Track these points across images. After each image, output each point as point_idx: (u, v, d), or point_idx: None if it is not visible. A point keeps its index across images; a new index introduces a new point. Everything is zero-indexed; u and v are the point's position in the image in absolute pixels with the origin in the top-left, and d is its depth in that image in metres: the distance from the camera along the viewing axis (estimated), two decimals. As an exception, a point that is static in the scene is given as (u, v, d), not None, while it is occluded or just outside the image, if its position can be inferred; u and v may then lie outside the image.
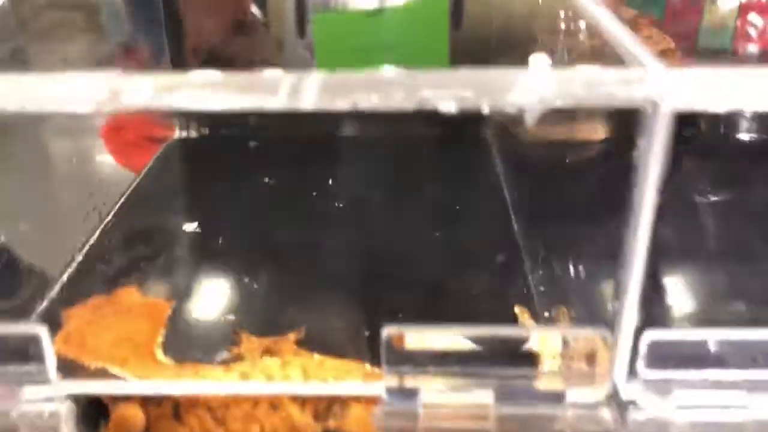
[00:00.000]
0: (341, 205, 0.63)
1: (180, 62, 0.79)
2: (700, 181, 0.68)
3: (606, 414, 0.31)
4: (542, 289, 0.50)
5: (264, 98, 0.30)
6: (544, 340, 0.34)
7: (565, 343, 0.34)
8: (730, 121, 0.77)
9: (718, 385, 0.31)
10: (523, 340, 0.32)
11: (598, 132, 0.77)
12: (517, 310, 0.46)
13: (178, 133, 0.80)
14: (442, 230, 0.60)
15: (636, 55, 0.30)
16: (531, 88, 0.27)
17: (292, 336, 0.45)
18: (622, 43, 0.32)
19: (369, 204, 0.64)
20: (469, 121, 0.78)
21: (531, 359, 0.32)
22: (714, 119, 0.77)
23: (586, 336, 0.31)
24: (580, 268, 0.46)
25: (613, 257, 0.31)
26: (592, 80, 0.27)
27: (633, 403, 0.31)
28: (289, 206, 0.63)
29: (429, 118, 0.82)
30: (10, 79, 0.29)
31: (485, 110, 0.27)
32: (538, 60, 0.47)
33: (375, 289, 0.52)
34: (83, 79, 0.29)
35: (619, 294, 0.30)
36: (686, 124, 0.80)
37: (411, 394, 0.32)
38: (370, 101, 0.28)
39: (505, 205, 0.63)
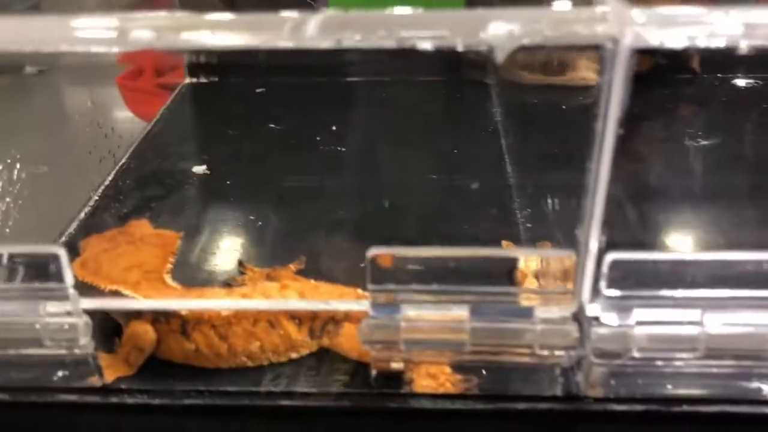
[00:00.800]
0: (344, 149, 0.66)
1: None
2: (692, 124, 0.70)
3: (571, 329, 0.34)
4: (529, 225, 0.53)
5: (268, 36, 0.31)
6: (521, 262, 0.37)
7: (535, 264, 0.37)
8: (726, 66, 0.79)
9: (674, 303, 0.34)
10: (498, 261, 0.35)
11: (594, 77, 0.78)
12: (503, 243, 0.49)
13: (188, 80, 0.82)
14: (438, 172, 0.62)
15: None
16: (500, 26, 0.29)
17: (293, 266, 0.48)
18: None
19: (370, 147, 0.67)
20: (471, 68, 0.80)
21: (504, 279, 0.35)
22: (711, 65, 0.79)
23: (553, 257, 0.34)
24: (562, 204, 0.48)
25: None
26: (558, 19, 0.29)
27: (596, 319, 0.34)
28: (294, 150, 0.66)
29: (433, 64, 0.84)
30: (25, 21, 0.32)
31: (459, 48, 0.30)
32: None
33: (373, 227, 0.55)
34: (94, 19, 0.31)
35: (584, 219, 0.33)
36: (682, 69, 0.82)
37: (393, 308, 0.35)
38: (353, 39, 0.30)
39: (501, 149, 0.66)
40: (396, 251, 0.34)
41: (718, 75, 0.79)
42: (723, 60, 0.79)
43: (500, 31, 0.29)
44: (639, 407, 0.37)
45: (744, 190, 0.58)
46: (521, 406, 0.37)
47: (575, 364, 0.37)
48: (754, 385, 0.37)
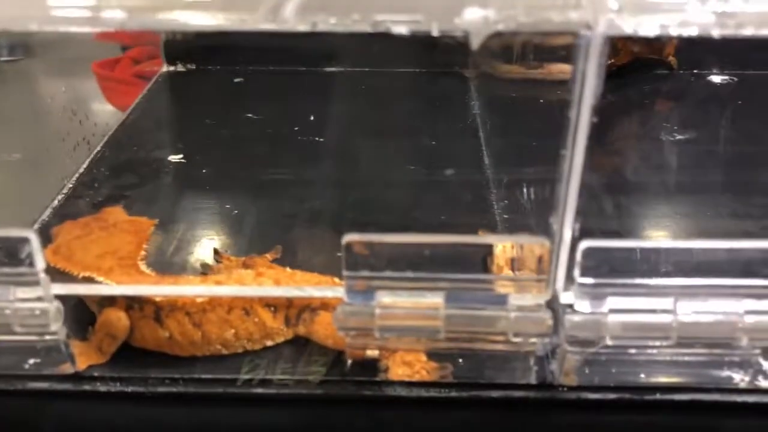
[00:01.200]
0: (321, 139, 0.65)
1: None
2: (668, 119, 0.71)
3: (545, 316, 0.34)
4: (506, 216, 0.53)
5: (243, 18, 0.31)
6: (497, 250, 0.37)
7: (510, 251, 0.37)
8: (703, 62, 0.79)
9: (647, 291, 0.34)
10: (472, 249, 0.35)
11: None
12: (479, 232, 0.49)
13: (166, 69, 0.82)
14: (415, 163, 0.62)
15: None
16: (475, 12, 0.29)
17: (269, 255, 0.48)
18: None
19: (348, 137, 0.67)
20: (450, 60, 0.80)
21: (479, 266, 0.35)
22: (687, 61, 0.79)
23: (528, 245, 0.34)
24: (538, 195, 0.49)
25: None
26: (532, 5, 0.29)
27: (570, 307, 0.35)
28: (270, 139, 0.66)
29: (414, 56, 0.83)
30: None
31: (434, 33, 0.30)
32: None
33: (350, 216, 0.55)
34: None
35: (558, 208, 0.33)
36: (659, 65, 0.82)
37: (368, 295, 0.35)
38: (328, 23, 0.30)
39: (479, 140, 0.66)
40: (371, 237, 0.34)
41: (695, 71, 0.80)
42: (700, 56, 0.79)
43: (475, 16, 0.29)
44: (612, 395, 0.37)
45: (716, 183, 0.59)
46: (495, 394, 0.38)
47: (550, 353, 0.37)
48: (726, 373, 0.37)
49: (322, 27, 0.30)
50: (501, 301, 0.35)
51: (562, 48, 0.80)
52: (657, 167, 0.61)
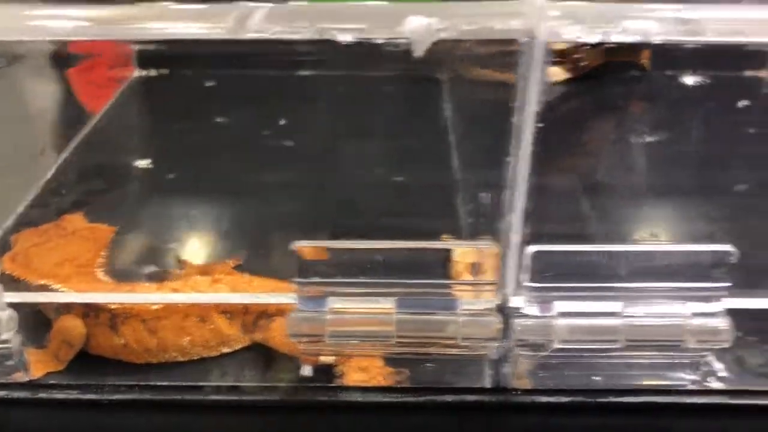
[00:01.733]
0: (291, 143, 0.65)
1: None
2: (639, 121, 0.71)
3: (493, 320, 0.35)
4: (470, 221, 0.53)
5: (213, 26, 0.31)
6: (456, 255, 0.37)
7: (469, 256, 0.37)
8: (676, 64, 0.80)
9: (596, 294, 0.35)
10: (426, 254, 0.35)
11: (555, 75, 0.79)
12: (443, 237, 0.49)
13: (138, 73, 0.81)
14: (386, 166, 0.62)
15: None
16: (417, 20, 0.29)
17: (231, 261, 0.48)
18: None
19: (318, 142, 0.67)
20: (422, 63, 0.80)
21: (434, 271, 0.36)
22: (661, 63, 0.80)
23: (475, 250, 0.35)
24: (500, 199, 0.49)
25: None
26: (475, 13, 0.30)
27: (519, 311, 0.35)
28: (239, 144, 0.66)
29: (384, 59, 0.83)
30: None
31: (379, 41, 0.30)
32: None
33: (317, 222, 0.55)
34: (39, 10, 0.31)
35: (506, 212, 0.33)
36: (632, 67, 0.83)
37: (320, 301, 0.35)
38: (272, 30, 0.30)
39: (449, 144, 0.66)
40: (319, 244, 0.34)
41: (668, 73, 0.80)
42: (673, 58, 0.80)
43: (417, 24, 0.29)
44: (565, 398, 0.38)
45: (683, 185, 0.59)
46: (450, 398, 0.38)
47: (504, 357, 0.37)
48: (678, 375, 0.38)
49: (271, 35, 0.30)
50: (451, 305, 0.35)
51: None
52: (623, 169, 0.62)
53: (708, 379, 0.38)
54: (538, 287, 0.34)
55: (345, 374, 0.39)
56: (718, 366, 0.38)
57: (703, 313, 0.34)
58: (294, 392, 0.38)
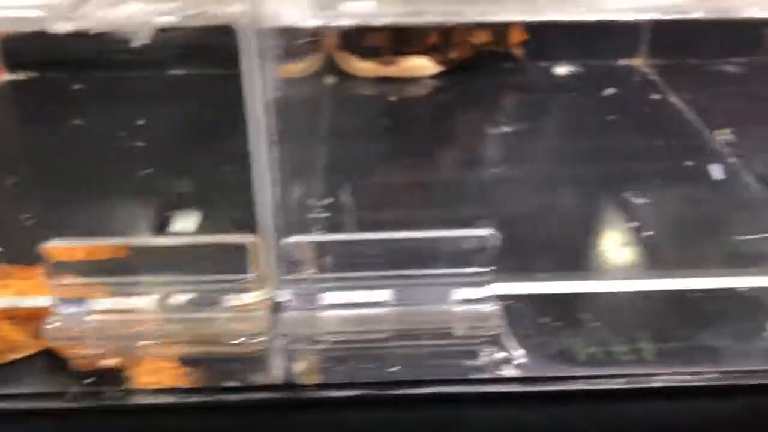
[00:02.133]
0: (143, 144, 0.64)
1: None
2: (498, 113, 0.71)
3: (257, 315, 0.34)
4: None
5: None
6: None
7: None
8: (549, 54, 0.80)
9: (362, 284, 0.34)
10: (188, 250, 0.34)
11: (428, 69, 0.79)
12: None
13: (6, 77, 0.79)
14: (236, 165, 0.61)
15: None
16: (132, 6, 0.28)
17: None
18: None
19: (170, 142, 0.65)
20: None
21: (204, 268, 0.35)
22: (534, 54, 0.80)
23: (232, 242, 0.34)
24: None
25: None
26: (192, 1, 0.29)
27: (285, 304, 0.34)
28: (88, 145, 0.64)
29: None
30: None
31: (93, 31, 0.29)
32: None
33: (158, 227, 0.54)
34: None
35: (256, 203, 0.32)
36: (504, 57, 0.83)
37: (78, 302, 0.34)
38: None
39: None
40: (72, 243, 0.33)
41: (541, 64, 0.81)
42: (546, 47, 0.80)
43: (130, 12, 0.28)
44: (354, 392, 0.37)
45: (539, 176, 0.59)
46: (235, 397, 0.37)
47: (282, 352, 0.37)
48: (466, 363, 0.37)
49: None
50: (215, 303, 0.34)
51: (422, 43, 0.81)
52: (473, 162, 0.62)
53: (500, 368, 0.37)
54: (302, 279, 0.34)
55: (134, 377, 0.38)
56: (509, 354, 0.38)
57: (470, 299, 0.34)
58: (77, 398, 0.37)
